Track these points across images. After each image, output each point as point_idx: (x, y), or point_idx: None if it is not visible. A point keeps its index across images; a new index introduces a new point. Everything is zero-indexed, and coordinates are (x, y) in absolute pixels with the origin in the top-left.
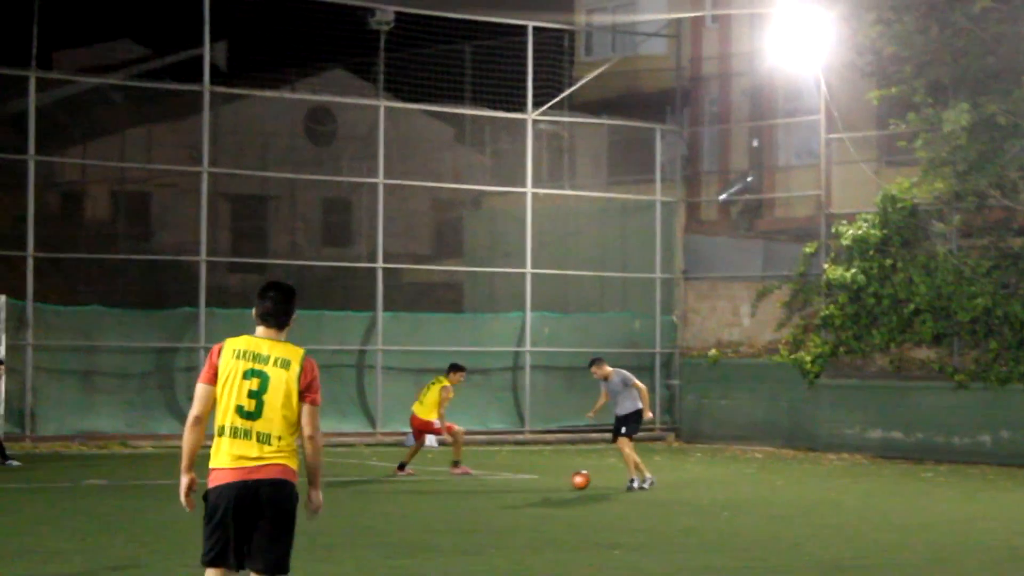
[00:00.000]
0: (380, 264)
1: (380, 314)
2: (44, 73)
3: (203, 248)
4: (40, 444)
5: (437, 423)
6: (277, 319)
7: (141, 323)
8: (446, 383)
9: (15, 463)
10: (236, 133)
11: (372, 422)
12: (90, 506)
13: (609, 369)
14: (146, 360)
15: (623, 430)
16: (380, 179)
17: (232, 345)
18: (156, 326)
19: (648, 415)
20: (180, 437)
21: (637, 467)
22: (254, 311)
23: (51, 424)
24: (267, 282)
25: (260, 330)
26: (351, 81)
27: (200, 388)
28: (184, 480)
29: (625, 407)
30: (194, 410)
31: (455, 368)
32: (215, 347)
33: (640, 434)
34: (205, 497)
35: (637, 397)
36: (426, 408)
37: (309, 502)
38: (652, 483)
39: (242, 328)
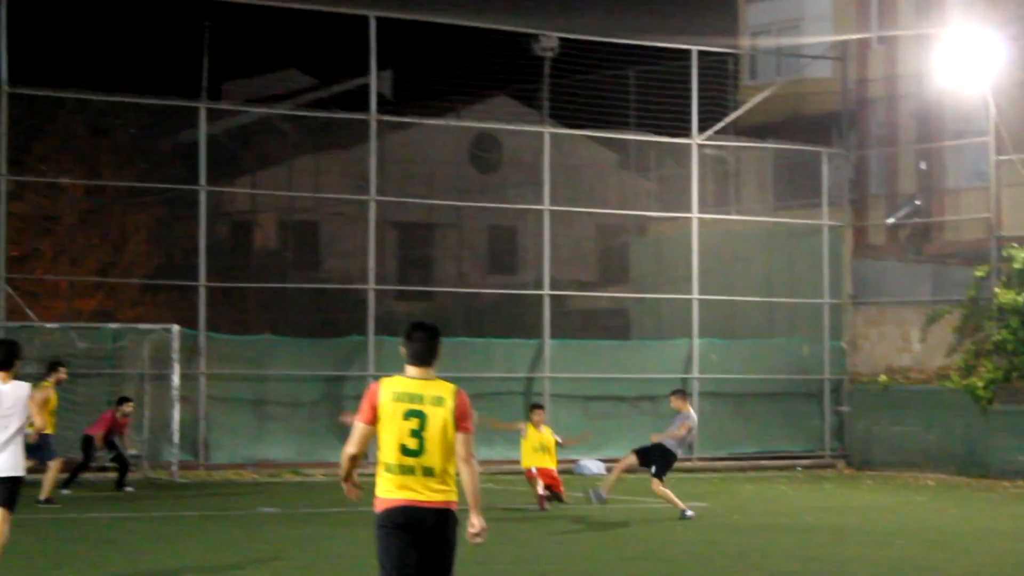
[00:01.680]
0: (547, 291)
1: (548, 341)
2: (214, 104)
3: (371, 276)
4: (213, 472)
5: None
6: (427, 358)
7: (310, 351)
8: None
9: (130, 489)
10: (402, 161)
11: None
12: (265, 534)
13: (683, 404)
14: (316, 388)
15: (653, 469)
16: (545, 206)
17: (389, 387)
18: (325, 354)
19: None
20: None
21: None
22: (403, 351)
23: (224, 452)
24: (413, 323)
25: (411, 370)
26: (516, 108)
27: (359, 427)
28: (346, 484)
29: (669, 443)
30: (351, 448)
31: (535, 407)
32: (371, 387)
33: (808, 461)
34: (376, 523)
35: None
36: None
37: (470, 526)
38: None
39: None
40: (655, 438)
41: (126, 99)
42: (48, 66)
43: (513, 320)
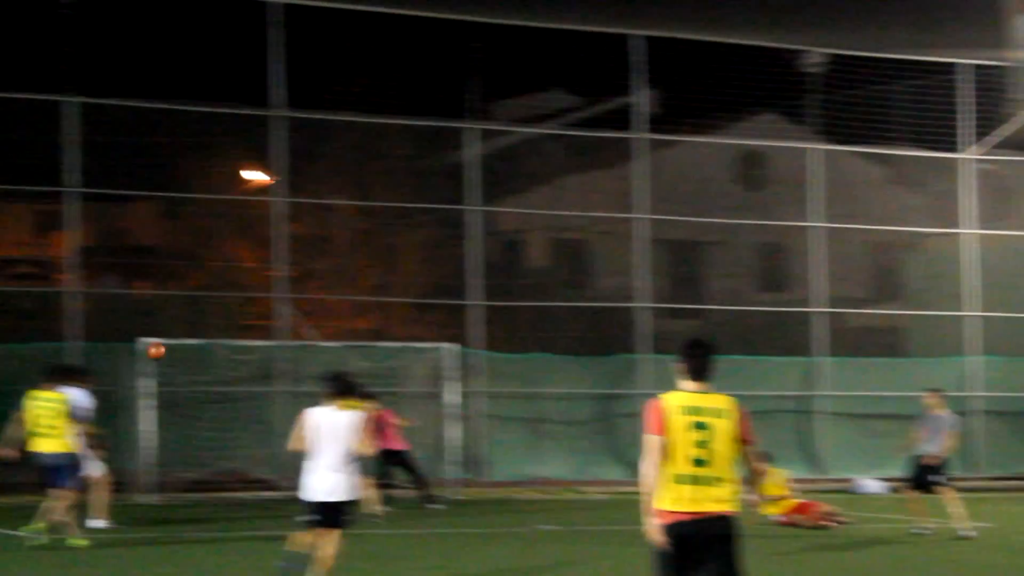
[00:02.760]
0: (819, 309)
1: (823, 359)
2: (483, 124)
3: (641, 295)
4: (492, 490)
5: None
6: (705, 373)
7: (582, 370)
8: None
9: (439, 506)
10: (669, 179)
11: (816, 467)
12: (545, 551)
13: (940, 404)
14: (589, 407)
15: (936, 478)
16: (815, 223)
17: (674, 401)
18: (597, 373)
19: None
20: (626, 483)
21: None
22: (680, 367)
23: (502, 470)
24: (690, 340)
25: (690, 384)
26: (782, 124)
27: (652, 439)
28: (652, 521)
29: (934, 450)
30: (650, 459)
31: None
32: (654, 402)
33: None
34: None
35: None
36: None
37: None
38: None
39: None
40: (927, 460)
41: (397, 121)
42: (323, 90)
43: (783, 337)
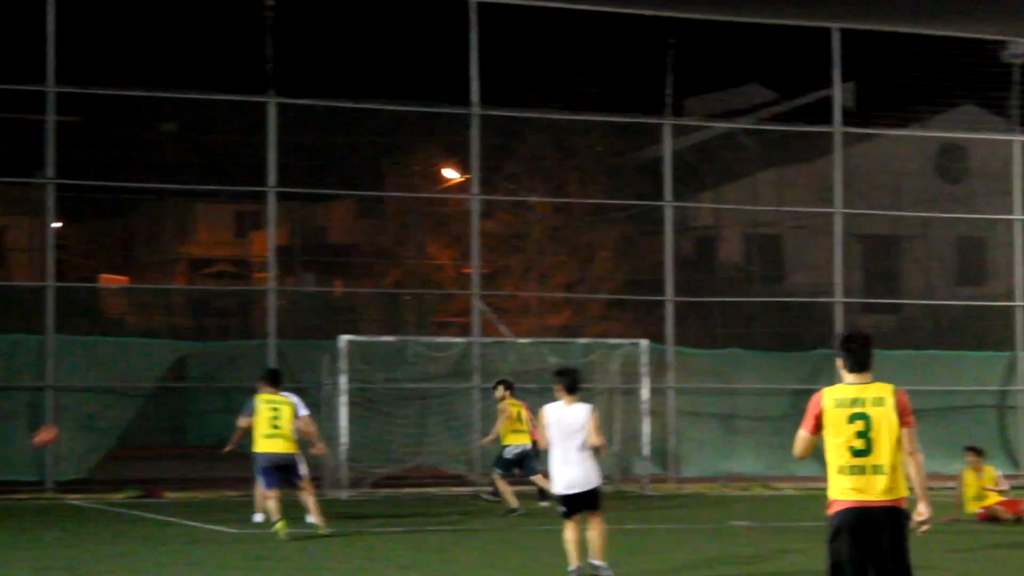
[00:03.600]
0: (1019, 303)
1: (1021, 353)
2: (677, 120)
3: (838, 289)
4: (683, 485)
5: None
6: (864, 364)
7: (776, 365)
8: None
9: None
10: (867, 173)
11: (1016, 464)
12: (738, 547)
13: None
14: (783, 402)
15: None
16: (1017, 215)
17: (831, 395)
18: (791, 368)
19: None
20: (818, 479)
21: None
22: (840, 361)
23: (694, 465)
24: (847, 334)
25: (850, 376)
26: (983, 116)
27: (801, 433)
28: None
29: None
30: (796, 452)
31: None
32: (814, 397)
33: None
34: (830, 524)
35: None
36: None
37: (917, 514)
38: None
39: (880, 367)
40: None
41: (591, 117)
42: (517, 87)
43: (983, 332)
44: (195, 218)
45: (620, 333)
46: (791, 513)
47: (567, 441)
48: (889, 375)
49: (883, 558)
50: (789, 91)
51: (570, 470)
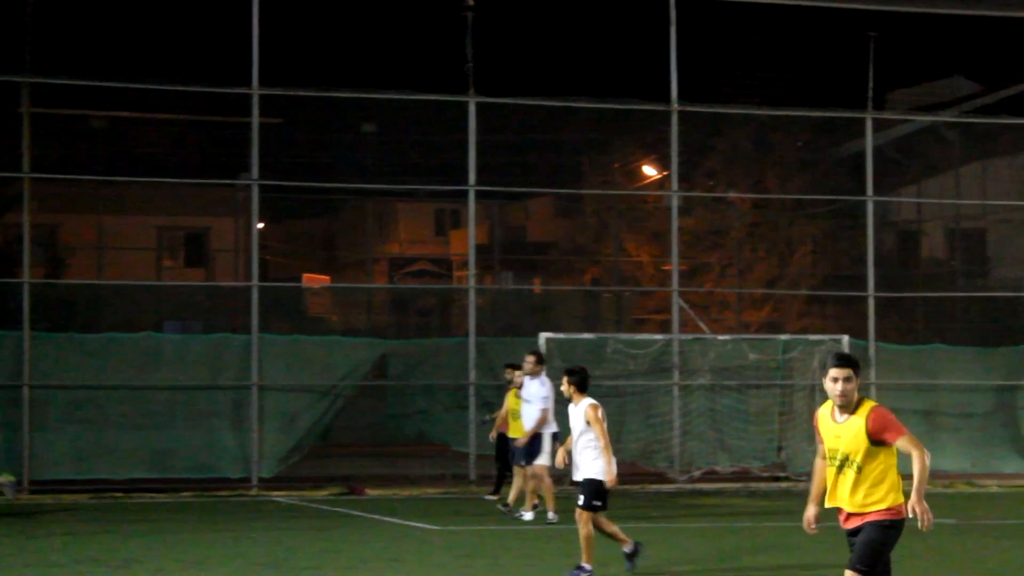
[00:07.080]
0: None
1: None
2: (879, 114)
3: None
4: None
5: None
6: None
7: (980, 361)
8: None
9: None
10: None
11: None
12: (939, 544)
13: None
14: (987, 398)
15: None
16: None
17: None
18: (996, 364)
19: None
20: None
21: None
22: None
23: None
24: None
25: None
26: None
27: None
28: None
29: None
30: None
31: None
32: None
33: None
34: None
35: None
36: None
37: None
38: None
39: None
40: None
41: (791, 113)
42: (716, 83)
43: None
44: (395, 217)
45: (820, 329)
46: (997, 511)
47: (579, 437)
48: None
49: None
50: (993, 83)
51: (577, 461)
